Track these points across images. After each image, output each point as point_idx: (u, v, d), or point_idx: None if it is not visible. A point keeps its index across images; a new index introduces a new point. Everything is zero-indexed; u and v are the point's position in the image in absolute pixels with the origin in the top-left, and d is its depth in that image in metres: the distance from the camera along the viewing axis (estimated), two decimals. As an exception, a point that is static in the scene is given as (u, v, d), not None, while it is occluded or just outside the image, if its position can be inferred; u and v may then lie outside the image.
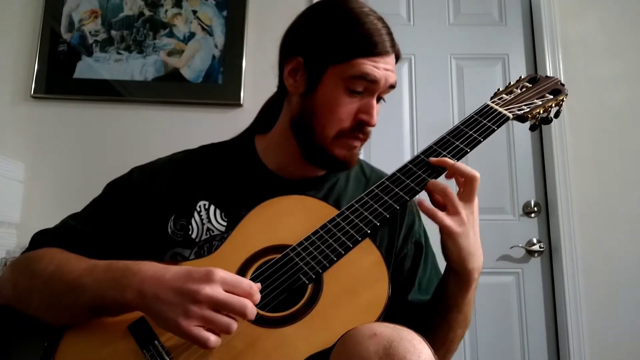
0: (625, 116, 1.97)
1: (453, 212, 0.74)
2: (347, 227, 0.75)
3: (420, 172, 0.78)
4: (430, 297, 0.88)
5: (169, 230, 0.86)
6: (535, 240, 1.91)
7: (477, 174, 0.75)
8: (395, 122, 2.00)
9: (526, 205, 1.94)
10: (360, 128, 0.84)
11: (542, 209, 1.95)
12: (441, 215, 0.74)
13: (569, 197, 1.88)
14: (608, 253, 1.86)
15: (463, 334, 0.85)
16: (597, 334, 1.80)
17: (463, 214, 0.74)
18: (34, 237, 0.85)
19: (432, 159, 0.78)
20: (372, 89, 0.82)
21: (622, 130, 1.96)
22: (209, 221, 0.86)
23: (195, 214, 0.86)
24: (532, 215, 1.94)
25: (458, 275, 0.78)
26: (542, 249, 1.89)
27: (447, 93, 2.04)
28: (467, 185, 0.75)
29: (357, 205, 0.77)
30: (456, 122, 2.20)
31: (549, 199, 1.94)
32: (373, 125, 0.84)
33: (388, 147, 1.96)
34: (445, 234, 0.74)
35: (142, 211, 0.86)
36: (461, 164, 0.76)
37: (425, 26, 2.10)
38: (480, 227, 0.79)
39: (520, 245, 1.89)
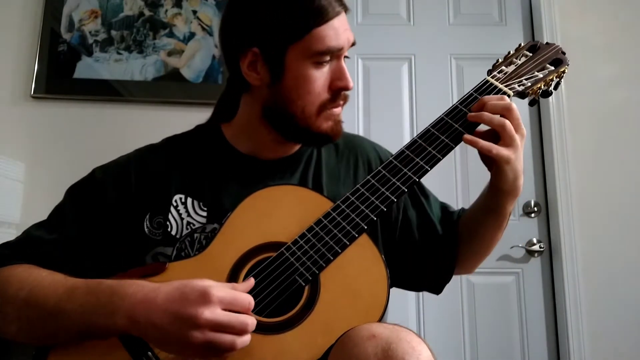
0: (625, 116, 1.97)
1: (509, 142, 0.75)
2: (343, 223, 0.72)
3: (418, 160, 0.78)
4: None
5: (146, 229, 0.82)
6: (535, 240, 1.91)
7: (509, 103, 0.76)
8: (395, 122, 2.00)
9: (526, 205, 1.94)
10: (338, 95, 0.81)
11: (542, 209, 1.94)
12: (497, 148, 0.74)
13: (569, 197, 1.88)
14: (608, 253, 1.85)
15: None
16: (597, 334, 1.79)
17: (518, 142, 0.75)
18: None
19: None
20: (339, 54, 0.80)
21: (622, 130, 1.95)
22: (188, 215, 0.82)
23: (172, 209, 0.82)
24: (532, 215, 1.94)
25: (509, 193, 0.80)
26: (542, 249, 1.89)
27: (447, 93, 2.04)
28: (512, 120, 0.75)
29: (352, 198, 0.74)
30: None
31: (549, 199, 1.94)
32: (350, 89, 0.81)
33: (387, 147, 1.95)
34: (504, 162, 0.75)
35: (111, 213, 0.81)
36: (492, 102, 0.77)
37: (425, 26, 2.10)
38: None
39: (520, 245, 1.89)
